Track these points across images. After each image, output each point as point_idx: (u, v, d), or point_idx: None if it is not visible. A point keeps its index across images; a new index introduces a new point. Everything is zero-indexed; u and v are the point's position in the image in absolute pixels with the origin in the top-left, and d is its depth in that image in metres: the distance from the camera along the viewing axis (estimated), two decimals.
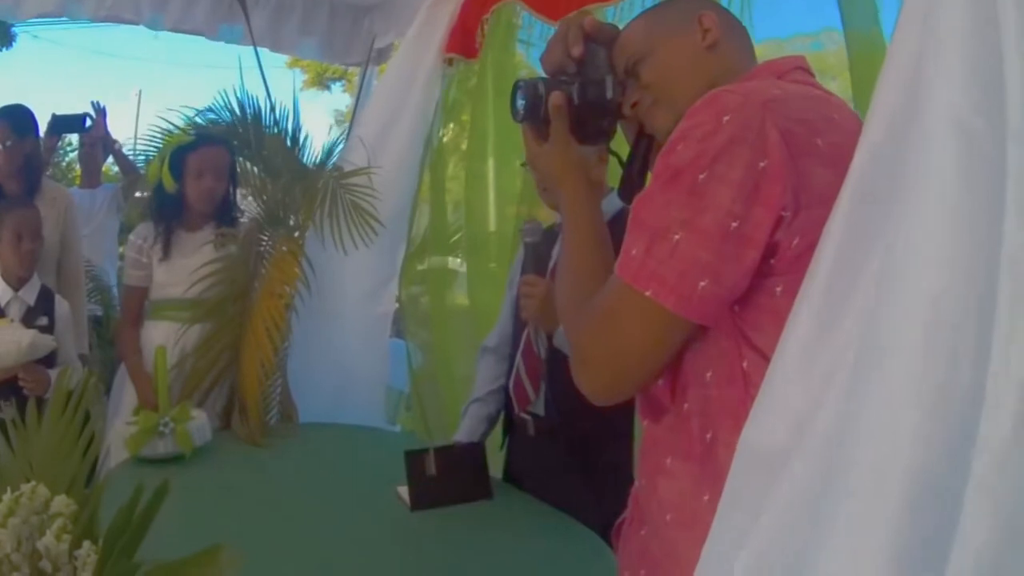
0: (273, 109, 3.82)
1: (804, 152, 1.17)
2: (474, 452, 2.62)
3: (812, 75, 1.44)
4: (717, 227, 1.15)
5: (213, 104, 3.72)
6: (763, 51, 2.49)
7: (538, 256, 2.39)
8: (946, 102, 0.91)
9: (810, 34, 2.48)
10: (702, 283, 1.16)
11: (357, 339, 4.04)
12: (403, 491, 2.52)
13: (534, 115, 1.49)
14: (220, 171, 3.47)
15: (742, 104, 1.18)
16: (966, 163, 0.89)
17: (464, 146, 4.18)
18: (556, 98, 1.46)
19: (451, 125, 4.31)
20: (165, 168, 3.43)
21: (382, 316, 4.23)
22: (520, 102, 1.49)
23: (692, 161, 1.17)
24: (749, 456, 1.07)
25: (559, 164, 1.48)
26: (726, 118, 1.17)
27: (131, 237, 3.57)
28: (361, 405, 3.89)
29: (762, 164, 1.14)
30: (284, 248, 3.56)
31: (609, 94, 1.47)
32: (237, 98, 3.72)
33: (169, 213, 3.48)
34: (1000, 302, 0.86)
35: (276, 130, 3.81)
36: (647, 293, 1.19)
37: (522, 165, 3.08)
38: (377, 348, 4.20)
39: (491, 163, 3.95)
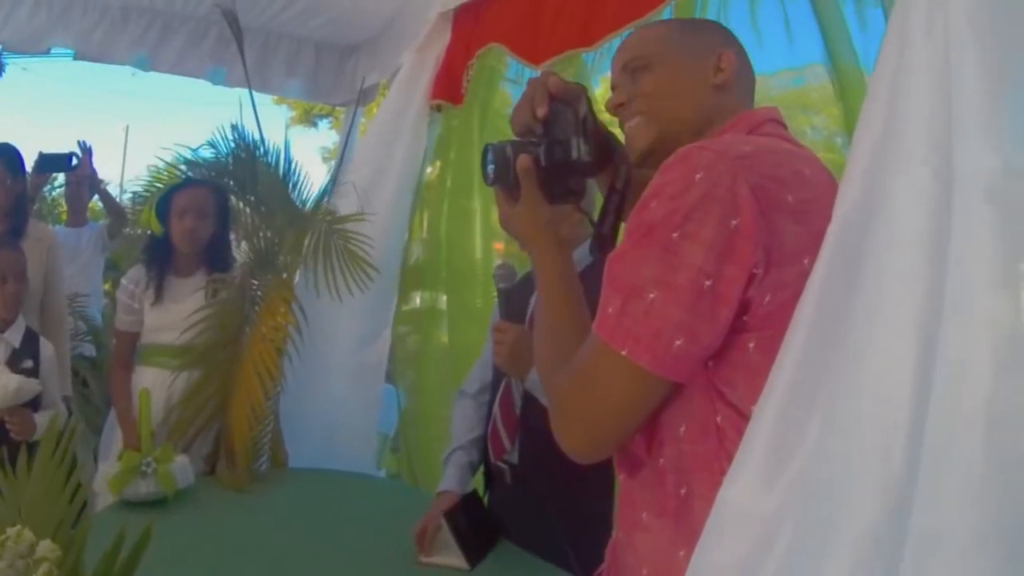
0: (266, 149, 3.84)
1: (775, 209, 1.18)
2: (475, 500, 2.61)
3: (784, 127, 1.45)
4: (691, 285, 1.16)
5: (213, 139, 3.76)
6: None
7: (511, 302, 2.37)
8: (912, 173, 0.97)
9: (795, 69, 2.49)
10: (677, 341, 1.17)
11: (350, 386, 4.03)
12: (441, 559, 2.47)
13: (504, 178, 1.50)
14: (202, 211, 3.44)
15: (714, 162, 1.19)
16: (929, 231, 0.94)
17: (449, 183, 4.20)
18: (523, 161, 1.47)
19: (437, 163, 4.33)
20: (152, 212, 3.44)
21: (376, 364, 4.21)
22: (490, 166, 1.50)
23: (665, 219, 1.18)
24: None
25: (529, 225, 1.48)
26: (698, 176, 1.18)
27: (123, 281, 3.56)
28: (352, 452, 3.87)
29: (734, 222, 1.16)
30: (275, 294, 3.55)
31: (575, 154, 1.47)
32: (235, 135, 3.76)
33: (160, 258, 3.48)
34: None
35: (269, 169, 3.83)
36: (623, 352, 1.19)
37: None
38: (370, 396, 4.19)
39: (476, 199, 3.97)
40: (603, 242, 1.54)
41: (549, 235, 1.47)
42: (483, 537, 2.50)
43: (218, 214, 3.52)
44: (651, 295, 1.18)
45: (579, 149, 1.47)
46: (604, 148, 1.56)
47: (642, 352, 1.18)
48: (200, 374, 3.41)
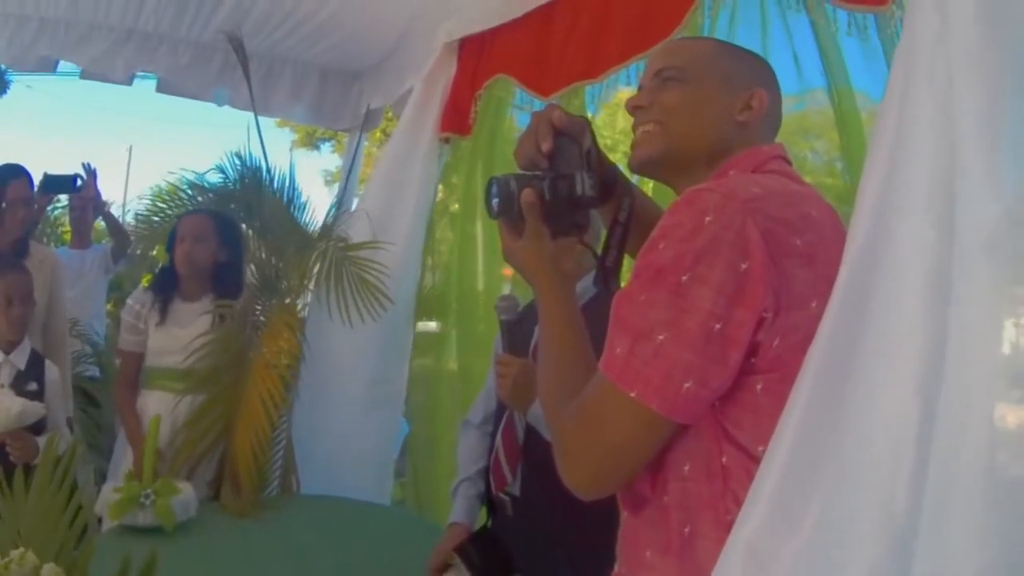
0: (271, 174, 3.90)
1: (784, 253, 1.19)
2: (489, 535, 2.58)
3: (789, 163, 1.45)
4: (700, 329, 1.16)
5: (221, 164, 3.83)
6: None
7: (513, 333, 2.36)
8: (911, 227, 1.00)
9: (795, 95, 2.50)
10: (686, 384, 1.17)
11: (367, 416, 4.01)
12: None
13: (508, 211, 1.50)
14: (199, 236, 3.49)
15: (723, 204, 1.19)
16: (931, 280, 0.97)
17: (454, 208, 4.21)
18: (528, 195, 1.47)
19: (443, 189, 4.34)
20: (162, 245, 3.55)
21: (395, 396, 4.18)
22: (494, 199, 1.50)
23: (674, 261, 1.18)
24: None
25: (533, 259, 1.48)
26: (708, 218, 1.18)
27: (128, 302, 3.60)
28: (367, 482, 3.86)
29: (743, 266, 1.16)
30: (278, 319, 3.56)
31: (579, 189, 1.48)
32: (241, 162, 3.83)
33: (166, 283, 3.53)
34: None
35: (274, 195, 3.87)
36: (632, 394, 1.19)
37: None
38: (387, 427, 4.17)
39: (480, 226, 3.97)
40: (607, 275, 1.55)
41: (553, 269, 1.47)
42: (496, 571, 2.48)
43: (223, 240, 3.56)
44: (660, 337, 1.18)
45: (584, 184, 1.48)
46: (608, 181, 1.57)
47: (652, 394, 1.18)
48: (204, 398, 3.42)
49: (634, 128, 1.50)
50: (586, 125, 1.53)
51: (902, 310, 0.99)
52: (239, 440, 3.34)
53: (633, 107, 1.50)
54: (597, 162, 1.50)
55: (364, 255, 3.70)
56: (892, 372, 0.98)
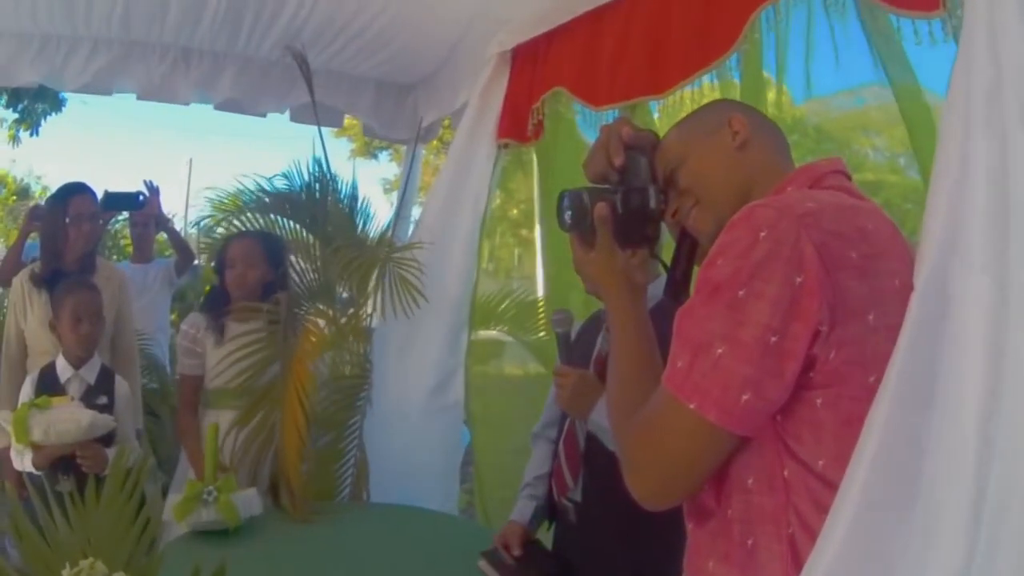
0: (335, 183, 3.98)
1: (839, 267, 1.20)
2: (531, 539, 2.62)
3: (849, 177, 1.46)
4: (757, 342, 1.18)
5: (287, 171, 3.92)
6: (809, 110, 2.51)
7: (569, 345, 2.40)
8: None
9: (853, 89, 2.47)
10: (744, 396, 1.19)
11: (429, 425, 4.02)
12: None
13: (580, 224, 1.53)
14: (251, 261, 3.57)
15: (777, 219, 1.21)
16: (989, 334, 1.08)
17: (513, 213, 4.23)
18: (600, 209, 1.50)
19: (500, 194, 4.36)
20: (211, 267, 3.66)
21: (454, 404, 4.15)
22: (567, 212, 1.54)
23: (731, 276, 1.21)
24: None
25: (605, 272, 1.52)
26: (763, 234, 1.20)
27: (183, 327, 3.66)
28: (434, 490, 3.87)
29: (798, 279, 1.18)
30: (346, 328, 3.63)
31: (652, 203, 1.51)
32: (309, 169, 3.93)
33: (218, 304, 3.59)
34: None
35: (340, 203, 3.95)
36: (691, 406, 1.22)
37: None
38: (449, 435, 4.16)
39: (537, 230, 4.03)
40: (676, 288, 1.58)
41: (624, 282, 1.50)
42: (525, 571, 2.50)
43: (271, 261, 3.64)
44: (719, 350, 1.20)
45: (655, 197, 1.52)
46: None
47: (710, 406, 1.21)
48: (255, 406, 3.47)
49: (685, 220, 1.54)
50: (655, 139, 1.57)
51: (963, 364, 1.07)
52: (285, 444, 3.37)
53: (672, 219, 1.55)
54: None
55: (413, 258, 3.75)
56: (951, 422, 1.06)
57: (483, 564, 2.53)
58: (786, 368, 1.19)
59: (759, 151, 1.48)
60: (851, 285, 1.20)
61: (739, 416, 1.20)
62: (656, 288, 1.94)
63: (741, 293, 1.19)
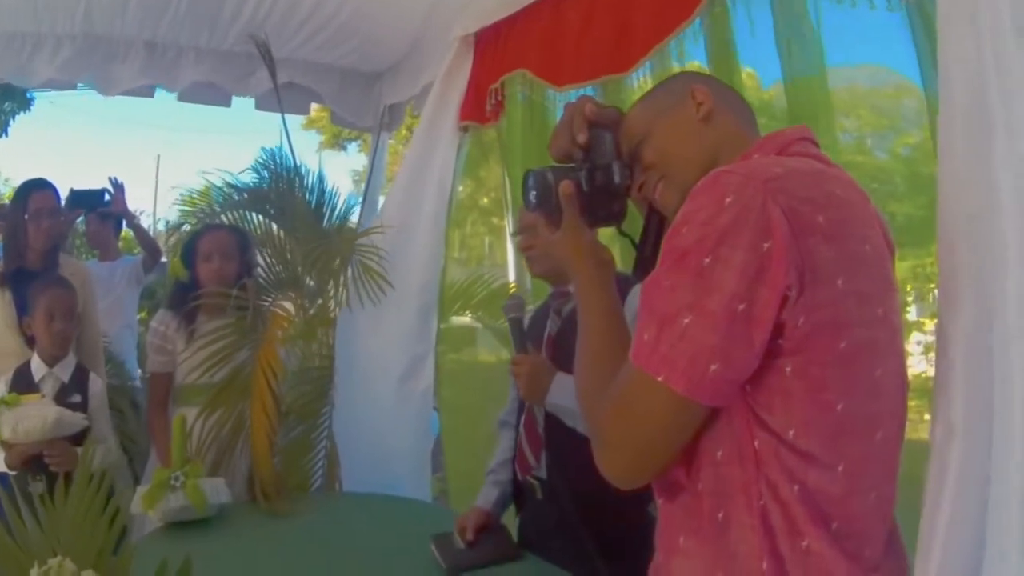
0: (301, 175, 3.96)
1: (807, 231, 1.18)
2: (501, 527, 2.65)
3: (816, 144, 1.45)
4: (724, 310, 1.16)
5: (255, 165, 3.91)
6: (776, 92, 2.49)
7: (522, 331, 2.42)
8: None
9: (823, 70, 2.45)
10: (713, 366, 1.17)
11: (399, 412, 4.02)
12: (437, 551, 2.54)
13: (546, 204, 1.52)
14: (228, 254, 3.57)
15: (743, 184, 1.19)
16: None
17: (483, 202, 4.21)
18: (566, 187, 1.49)
19: (468, 182, 4.34)
20: (177, 259, 3.58)
21: (424, 390, 4.14)
22: (532, 192, 1.53)
23: (696, 244, 1.19)
24: None
25: (572, 250, 1.50)
26: (728, 200, 1.18)
27: (152, 324, 3.64)
28: (406, 478, 3.87)
29: (766, 245, 1.16)
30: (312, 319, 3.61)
31: (617, 178, 1.50)
32: (274, 162, 3.91)
33: (187, 300, 3.54)
34: None
35: (306, 196, 3.93)
36: (659, 378, 1.20)
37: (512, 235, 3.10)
38: (420, 422, 4.15)
39: (508, 218, 3.99)
40: (645, 264, 1.56)
41: (591, 260, 1.49)
42: (484, 554, 2.52)
43: (243, 257, 3.63)
44: (685, 321, 1.18)
45: (621, 173, 1.51)
46: None
47: (678, 378, 1.19)
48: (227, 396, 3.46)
49: (652, 202, 1.54)
50: (619, 115, 1.56)
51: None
52: (254, 436, 3.38)
53: (638, 193, 1.54)
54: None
55: (375, 245, 3.75)
56: None
57: (432, 547, 2.54)
58: (755, 336, 1.17)
59: (723, 122, 1.47)
60: (819, 249, 1.18)
61: (708, 387, 1.19)
62: None
63: (707, 261, 1.17)
